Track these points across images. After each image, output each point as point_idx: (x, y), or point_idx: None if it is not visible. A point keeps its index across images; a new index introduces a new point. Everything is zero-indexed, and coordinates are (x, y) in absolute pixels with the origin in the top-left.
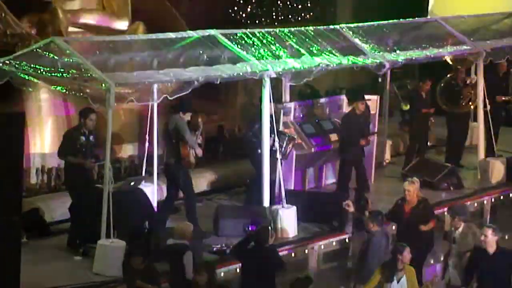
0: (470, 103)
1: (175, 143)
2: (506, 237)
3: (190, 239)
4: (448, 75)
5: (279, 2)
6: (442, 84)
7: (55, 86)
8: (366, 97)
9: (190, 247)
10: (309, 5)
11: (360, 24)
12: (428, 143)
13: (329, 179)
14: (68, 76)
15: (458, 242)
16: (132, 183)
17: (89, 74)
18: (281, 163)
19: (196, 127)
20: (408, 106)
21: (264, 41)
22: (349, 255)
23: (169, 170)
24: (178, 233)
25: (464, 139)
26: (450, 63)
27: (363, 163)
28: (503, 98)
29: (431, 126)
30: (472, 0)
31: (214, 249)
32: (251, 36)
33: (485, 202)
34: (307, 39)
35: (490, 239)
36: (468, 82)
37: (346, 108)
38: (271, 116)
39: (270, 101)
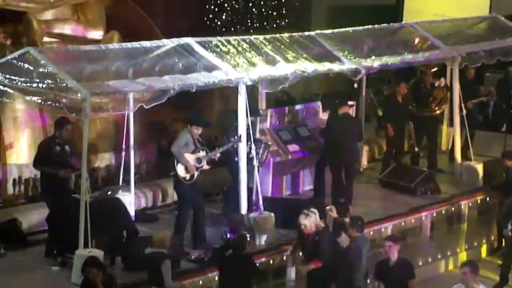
0: (438, 106)
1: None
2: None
3: (168, 247)
4: (415, 79)
5: (254, 9)
6: (410, 88)
7: (31, 97)
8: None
9: (168, 255)
10: (283, 12)
11: (335, 31)
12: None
13: (306, 185)
14: (43, 86)
15: None
16: (109, 193)
17: (64, 84)
18: (258, 170)
19: (202, 142)
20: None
21: (240, 48)
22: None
23: None
24: (156, 242)
25: (434, 143)
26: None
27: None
28: (473, 101)
29: (411, 131)
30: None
31: (193, 257)
32: (226, 43)
33: (462, 206)
34: (282, 46)
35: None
36: (436, 84)
37: (322, 115)
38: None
39: (247, 115)
